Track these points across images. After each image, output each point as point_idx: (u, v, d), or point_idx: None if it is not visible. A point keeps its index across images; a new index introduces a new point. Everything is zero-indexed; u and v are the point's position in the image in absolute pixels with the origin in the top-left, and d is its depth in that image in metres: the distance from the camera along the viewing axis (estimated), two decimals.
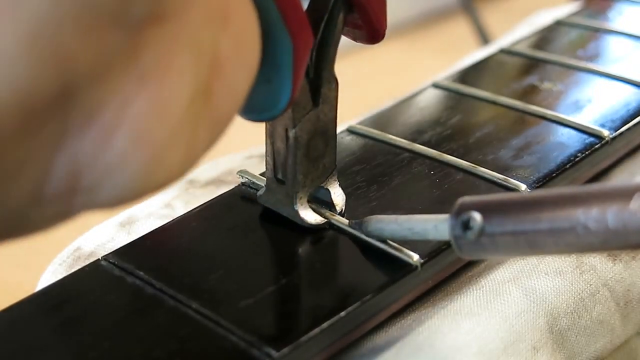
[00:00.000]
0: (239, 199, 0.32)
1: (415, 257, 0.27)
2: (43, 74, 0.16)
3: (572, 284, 0.30)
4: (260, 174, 0.32)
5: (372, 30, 0.27)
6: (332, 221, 0.29)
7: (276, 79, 0.24)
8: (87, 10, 0.16)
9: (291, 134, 0.28)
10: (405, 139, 0.35)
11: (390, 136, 0.35)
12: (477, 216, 0.23)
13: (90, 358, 0.25)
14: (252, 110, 0.25)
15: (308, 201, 0.29)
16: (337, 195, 0.30)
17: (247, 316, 0.25)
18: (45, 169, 0.18)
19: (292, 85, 0.24)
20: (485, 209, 0.23)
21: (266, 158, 0.29)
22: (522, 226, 0.22)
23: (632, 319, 0.31)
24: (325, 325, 0.25)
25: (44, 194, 0.18)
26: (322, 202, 0.30)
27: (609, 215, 0.21)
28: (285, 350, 0.24)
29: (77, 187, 0.18)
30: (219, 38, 0.20)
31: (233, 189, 0.32)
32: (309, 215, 0.29)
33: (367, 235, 0.28)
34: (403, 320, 0.28)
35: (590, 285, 0.30)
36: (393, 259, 0.28)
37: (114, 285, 0.27)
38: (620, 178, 0.36)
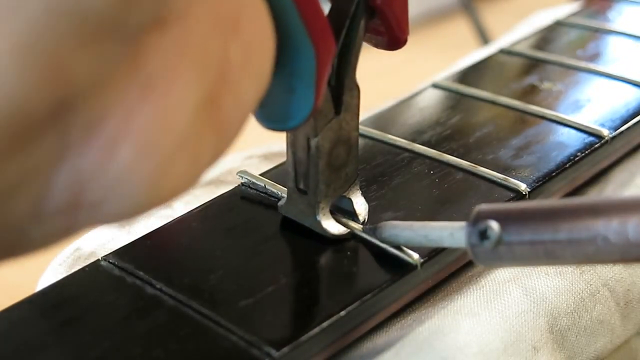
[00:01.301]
0: (239, 199, 0.32)
1: (415, 257, 0.27)
2: (37, 88, 0.16)
3: (572, 284, 0.30)
4: (261, 174, 0.32)
5: (393, 37, 0.27)
6: (355, 232, 0.29)
7: (299, 88, 0.23)
8: (83, 21, 0.16)
9: (313, 143, 0.27)
10: (405, 139, 0.35)
11: (390, 136, 0.35)
12: (494, 225, 0.23)
13: (90, 358, 0.25)
14: (274, 119, 0.24)
15: (330, 211, 0.29)
16: (360, 205, 0.29)
17: (247, 316, 0.25)
18: (45, 185, 0.17)
19: (315, 94, 0.23)
20: (503, 218, 0.23)
21: (287, 168, 0.29)
22: (540, 236, 0.22)
23: (632, 319, 0.31)
24: (325, 325, 0.25)
25: (45, 210, 0.17)
26: (344, 212, 0.29)
27: (630, 227, 0.21)
28: (285, 350, 0.24)
29: (80, 202, 0.18)
30: (228, 45, 0.19)
31: (233, 189, 0.32)
32: (332, 226, 0.29)
33: (382, 242, 0.28)
34: (403, 320, 0.28)
35: (591, 285, 0.30)
36: (393, 259, 0.28)
37: (114, 285, 0.27)
38: (620, 178, 0.36)
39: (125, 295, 0.27)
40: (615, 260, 0.22)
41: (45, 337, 0.26)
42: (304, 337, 0.25)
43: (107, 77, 0.17)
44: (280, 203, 0.30)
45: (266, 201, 0.31)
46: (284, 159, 0.34)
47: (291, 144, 0.28)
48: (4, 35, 0.15)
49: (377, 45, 0.28)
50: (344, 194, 0.29)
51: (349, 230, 0.29)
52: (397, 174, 0.32)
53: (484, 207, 0.23)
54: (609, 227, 0.21)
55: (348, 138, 0.28)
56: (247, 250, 0.29)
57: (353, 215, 0.29)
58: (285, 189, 0.30)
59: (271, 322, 0.26)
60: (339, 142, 0.28)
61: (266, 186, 0.32)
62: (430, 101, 0.39)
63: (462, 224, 0.24)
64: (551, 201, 0.25)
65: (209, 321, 0.25)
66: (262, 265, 0.28)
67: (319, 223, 0.28)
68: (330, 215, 0.29)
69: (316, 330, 0.25)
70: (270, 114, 0.24)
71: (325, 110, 0.27)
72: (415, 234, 0.26)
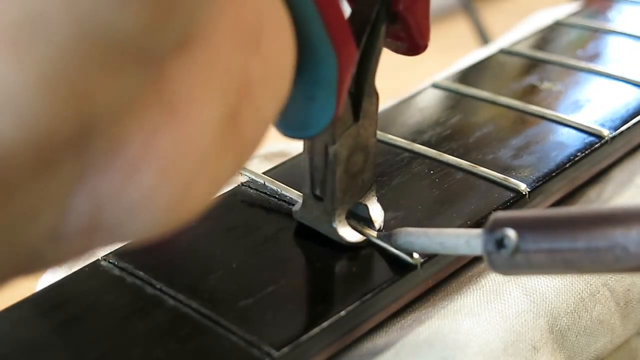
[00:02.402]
0: (239, 199, 0.32)
1: (415, 256, 0.27)
2: (61, 114, 0.15)
3: (572, 284, 0.30)
4: (263, 173, 0.32)
5: (413, 43, 0.26)
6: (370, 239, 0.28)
7: (320, 96, 0.23)
8: (111, 46, 0.15)
9: (331, 149, 0.27)
10: (405, 139, 0.35)
11: (390, 136, 0.35)
12: (511, 233, 0.22)
13: (90, 358, 0.25)
14: (293, 127, 0.24)
15: (346, 217, 0.28)
16: (376, 211, 0.29)
17: (247, 316, 0.25)
18: (63, 208, 0.17)
19: (335, 102, 0.23)
20: (520, 226, 0.22)
21: (304, 174, 0.28)
22: (558, 244, 0.22)
23: (632, 319, 0.31)
24: (325, 324, 0.25)
25: (63, 232, 0.17)
26: (359, 218, 0.29)
27: None
28: (285, 349, 0.24)
29: (99, 225, 0.17)
30: (249, 62, 0.19)
31: (233, 189, 0.32)
32: (348, 234, 0.28)
33: (396, 248, 0.27)
34: (403, 320, 0.28)
35: (591, 285, 0.30)
36: (393, 258, 0.28)
37: (114, 285, 0.27)
38: (620, 178, 0.36)
39: (125, 295, 0.27)
40: (633, 270, 0.21)
41: (45, 337, 0.26)
42: (304, 337, 0.25)
43: (131, 101, 0.17)
44: (295, 208, 0.30)
45: (266, 201, 0.31)
46: (284, 159, 0.34)
47: (308, 150, 0.28)
48: (29, 62, 0.15)
49: (397, 50, 0.27)
50: (361, 201, 0.29)
51: (365, 237, 0.28)
52: (397, 174, 0.32)
53: (500, 214, 0.23)
54: (628, 237, 0.21)
55: (366, 145, 0.28)
56: (247, 250, 0.29)
57: (369, 222, 0.29)
58: (286, 186, 0.30)
59: (271, 322, 0.26)
60: (356, 148, 0.28)
61: (265, 183, 0.32)
62: (430, 101, 0.39)
63: (479, 231, 0.24)
64: (569, 209, 0.25)
65: (209, 321, 0.25)
66: (262, 265, 0.28)
67: (334, 230, 0.28)
68: (346, 223, 0.28)
69: (316, 330, 0.25)
70: (290, 122, 0.23)
71: (344, 117, 0.27)
72: (431, 241, 0.26)
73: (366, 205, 0.29)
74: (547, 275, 0.29)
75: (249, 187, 0.32)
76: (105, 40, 0.15)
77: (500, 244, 0.23)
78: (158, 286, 0.27)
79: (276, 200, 0.31)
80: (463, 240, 0.25)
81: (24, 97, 0.15)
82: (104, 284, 0.27)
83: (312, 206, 0.29)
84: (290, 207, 0.31)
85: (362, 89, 0.27)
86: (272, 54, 0.20)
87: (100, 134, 0.16)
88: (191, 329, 0.25)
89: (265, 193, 0.32)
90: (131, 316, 0.26)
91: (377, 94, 0.27)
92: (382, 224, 0.29)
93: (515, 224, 0.23)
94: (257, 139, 0.20)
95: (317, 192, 0.28)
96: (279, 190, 0.31)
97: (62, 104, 0.15)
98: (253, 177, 0.32)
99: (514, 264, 0.22)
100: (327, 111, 0.23)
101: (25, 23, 0.14)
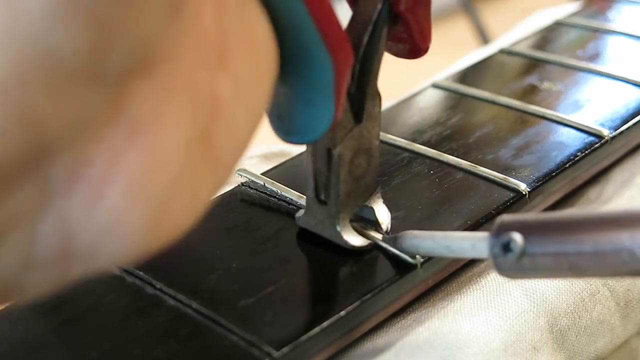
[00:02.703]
0: (239, 199, 0.32)
1: (415, 257, 0.27)
2: (9, 138, 0.15)
3: (572, 284, 0.30)
4: (262, 174, 0.32)
5: (415, 46, 0.26)
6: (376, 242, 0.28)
7: (318, 100, 0.23)
8: (55, 68, 0.15)
9: (335, 152, 0.27)
10: (405, 139, 0.35)
11: (390, 136, 0.35)
12: (517, 237, 0.22)
13: (90, 358, 0.25)
14: (293, 132, 0.24)
15: (351, 220, 0.28)
16: (382, 214, 0.29)
17: (247, 316, 0.25)
18: (32, 234, 0.17)
19: (334, 106, 0.23)
20: (526, 229, 0.22)
21: (308, 178, 0.28)
22: (564, 248, 0.22)
23: (632, 319, 0.31)
24: (325, 324, 0.25)
25: (35, 259, 0.17)
26: (366, 221, 0.29)
27: None
28: (285, 349, 0.24)
29: (72, 250, 0.17)
30: (218, 80, 0.19)
31: (233, 189, 0.32)
32: (352, 238, 0.28)
33: (402, 252, 0.27)
34: (403, 320, 0.28)
35: (591, 285, 0.30)
36: (393, 258, 0.28)
37: (114, 285, 0.27)
38: (620, 178, 0.36)
39: (125, 295, 0.27)
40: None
41: (45, 337, 0.26)
42: (304, 337, 0.25)
43: (87, 123, 0.16)
44: (298, 215, 0.29)
45: (266, 201, 0.31)
46: (283, 159, 0.34)
47: (311, 154, 0.28)
48: None
49: (397, 53, 0.27)
50: (366, 203, 0.28)
51: (369, 242, 0.28)
52: (397, 174, 0.32)
53: (506, 218, 0.23)
54: (634, 240, 0.20)
55: (369, 147, 0.28)
56: (247, 250, 0.29)
57: (375, 225, 0.28)
58: (285, 187, 0.30)
59: (271, 322, 0.26)
60: (360, 151, 0.27)
61: (265, 184, 0.32)
62: (430, 101, 0.39)
63: (485, 235, 0.24)
64: (575, 212, 0.24)
65: (209, 321, 0.25)
66: (262, 265, 0.28)
67: (339, 234, 0.28)
68: (350, 227, 0.28)
69: (316, 330, 0.25)
70: (289, 127, 0.23)
71: (344, 120, 0.27)
72: (437, 245, 0.26)
73: (372, 208, 0.28)
74: (558, 280, 0.29)
75: (249, 187, 0.32)
76: (47, 63, 0.15)
77: (506, 247, 0.22)
78: (158, 286, 0.27)
79: (276, 200, 0.31)
80: (469, 243, 0.24)
81: None
82: (104, 284, 0.27)
83: (315, 210, 0.28)
84: (290, 207, 0.31)
85: (364, 90, 0.27)
86: (244, 71, 0.20)
87: (58, 157, 0.16)
88: (191, 329, 0.25)
89: (265, 193, 0.32)
90: (131, 316, 0.26)
91: (379, 96, 0.27)
92: (389, 226, 0.29)
93: (521, 227, 0.22)
94: (234, 155, 0.20)
95: (321, 196, 0.28)
96: (279, 191, 0.31)
97: (9, 126, 0.15)
98: (253, 178, 0.32)
99: (520, 267, 0.22)
100: (326, 115, 0.23)
101: None
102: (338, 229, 0.28)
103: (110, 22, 0.15)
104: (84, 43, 0.15)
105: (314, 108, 0.23)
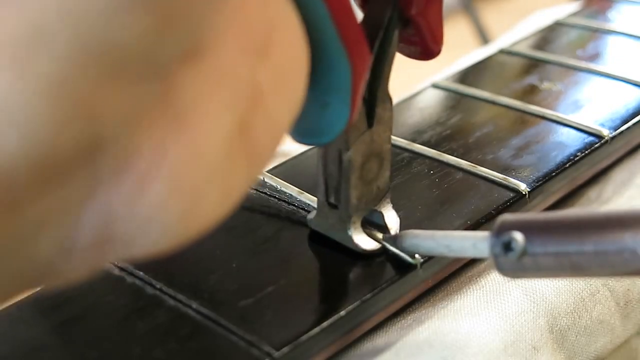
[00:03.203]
0: None
1: (415, 256, 0.27)
2: (67, 127, 0.15)
3: (572, 284, 0.30)
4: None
5: (426, 48, 0.26)
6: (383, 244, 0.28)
7: (333, 102, 0.22)
8: (114, 58, 0.15)
9: (345, 156, 0.27)
10: (405, 139, 0.35)
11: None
12: (519, 236, 0.22)
13: (90, 358, 0.25)
14: (307, 134, 0.24)
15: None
16: (391, 218, 0.29)
17: (247, 316, 0.25)
18: (74, 222, 0.17)
19: (350, 108, 0.22)
20: (527, 229, 0.22)
21: (319, 181, 0.28)
22: (565, 247, 0.22)
23: (632, 319, 0.31)
24: (325, 324, 0.25)
25: (75, 246, 0.17)
26: (374, 225, 0.28)
27: None
28: (285, 349, 0.24)
29: (111, 238, 0.17)
30: (258, 70, 0.19)
31: None
32: (363, 241, 0.28)
33: (402, 251, 0.27)
34: (403, 320, 0.28)
35: (591, 284, 0.30)
36: (393, 258, 0.28)
37: (114, 285, 0.27)
38: (620, 177, 0.36)
39: (125, 295, 0.27)
40: None
41: (45, 337, 0.26)
42: (304, 337, 0.25)
43: (139, 114, 0.16)
44: (310, 217, 0.29)
45: (266, 201, 0.31)
46: (284, 158, 0.34)
47: (322, 157, 0.27)
48: (29, 77, 0.14)
49: (410, 55, 0.27)
50: (375, 208, 0.28)
51: (380, 245, 0.28)
52: (397, 174, 0.32)
53: (507, 217, 0.23)
54: (636, 240, 0.20)
55: (380, 151, 0.27)
56: (247, 250, 0.29)
57: (384, 229, 0.28)
58: (286, 183, 0.30)
59: (271, 322, 0.26)
60: (371, 155, 0.27)
61: (265, 179, 0.32)
62: (430, 101, 0.39)
63: (486, 234, 0.23)
64: (577, 212, 0.24)
65: (209, 321, 0.25)
66: (262, 265, 0.28)
67: (350, 238, 0.28)
68: (362, 230, 0.28)
69: (316, 330, 0.25)
70: (304, 129, 0.23)
71: (358, 123, 0.26)
72: (437, 244, 0.26)
73: (381, 212, 0.28)
74: (560, 280, 0.29)
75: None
76: (108, 52, 0.15)
77: (507, 247, 0.22)
78: (158, 286, 0.27)
79: (276, 200, 0.31)
80: (470, 243, 0.24)
81: (25, 113, 0.14)
82: (104, 284, 0.27)
83: (326, 214, 0.28)
84: (290, 206, 0.31)
85: (375, 94, 0.26)
86: (283, 62, 0.20)
87: (109, 147, 0.16)
88: (191, 329, 0.25)
89: (265, 193, 0.32)
90: (131, 316, 0.26)
91: (390, 100, 0.27)
92: (397, 231, 0.28)
93: (522, 227, 0.22)
94: (271, 148, 0.20)
95: (332, 200, 0.28)
96: (278, 186, 0.31)
97: (65, 120, 0.15)
98: None
99: (521, 267, 0.22)
100: (341, 117, 0.23)
101: (25, 37, 0.14)
102: (349, 232, 0.28)
103: (167, 7, 0.15)
104: (141, 31, 0.15)
105: (329, 110, 0.23)
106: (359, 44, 0.22)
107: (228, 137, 0.18)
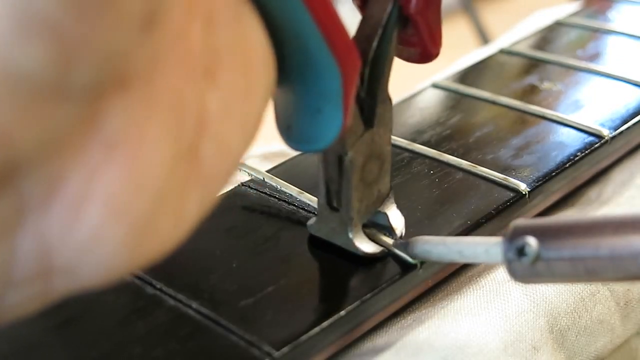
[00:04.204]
0: (239, 198, 0.32)
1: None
2: None
3: (572, 284, 0.30)
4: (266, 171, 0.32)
5: (425, 50, 0.26)
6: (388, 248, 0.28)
7: (326, 108, 0.22)
8: (19, 85, 0.15)
9: (346, 158, 0.26)
10: (405, 139, 0.35)
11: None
12: (532, 241, 0.22)
13: (90, 358, 0.25)
14: (302, 141, 0.23)
15: (365, 226, 0.28)
16: (396, 219, 0.28)
17: (247, 316, 0.25)
18: (8, 249, 0.17)
19: (342, 113, 0.22)
20: (541, 234, 0.22)
21: (319, 185, 0.28)
22: (580, 252, 0.21)
23: (632, 319, 0.31)
24: (325, 324, 0.25)
25: (15, 276, 0.17)
26: (379, 227, 0.28)
27: None
28: (285, 349, 0.24)
29: (52, 267, 0.17)
30: (208, 95, 0.19)
31: (233, 188, 0.32)
32: (365, 245, 0.28)
33: (413, 258, 0.27)
34: (403, 320, 0.28)
35: (591, 284, 0.30)
36: (393, 258, 0.28)
37: (114, 285, 0.27)
38: (620, 178, 0.36)
39: (125, 295, 0.27)
40: None
41: (45, 337, 0.26)
42: (304, 337, 0.25)
43: (59, 138, 0.16)
44: (310, 222, 0.29)
45: (266, 201, 0.31)
46: (283, 159, 0.34)
47: (322, 161, 0.27)
48: None
49: (408, 58, 0.27)
50: (379, 209, 0.28)
51: (382, 248, 0.28)
52: (397, 174, 0.32)
53: (520, 222, 0.23)
54: None
55: (380, 152, 0.27)
56: (247, 250, 0.29)
57: (389, 230, 0.28)
58: (286, 183, 0.30)
59: (271, 322, 0.26)
60: (371, 156, 0.27)
61: (265, 179, 0.32)
62: (430, 101, 0.39)
63: (498, 239, 0.23)
64: (591, 216, 0.24)
65: (209, 321, 0.25)
66: (262, 265, 0.28)
67: (351, 241, 0.28)
68: (363, 233, 0.28)
69: (316, 330, 0.25)
70: (298, 136, 0.23)
71: (354, 125, 0.26)
72: (449, 250, 0.25)
73: (386, 213, 0.28)
74: (567, 284, 0.29)
75: (249, 187, 0.32)
76: (13, 81, 0.15)
77: (521, 252, 0.22)
78: (158, 286, 0.27)
79: (276, 200, 0.31)
80: (482, 248, 0.24)
81: None
82: None
83: (327, 217, 0.28)
84: (290, 206, 0.31)
85: (375, 95, 0.26)
86: (234, 85, 0.20)
87: (32, 172, 0.16)
88: (191, 329, 0.25)
89: (265, 193, 0.32)
90: (131, 316, 0.26)
91: (390, 100, 0.27)
92: (403, 231, 0.28)
93: (536, 231, 0.22)
94: (224, 172, 0.20)
95: (333, 203, 0.28)
96: (278, 186, 0.31)
97: None
98: (252, 173, 0.32)
99: (535, 272, 0.22)
100: (334, 123, 0.23)
101: None
102: (350, 236, 0.28)
103: (73, 39, 0.15)
104: (47, 60, 0.15)
105: (322, 116, 0.23)
106: (347, 50, 0.22)
107: (172, 163, 0.18)
